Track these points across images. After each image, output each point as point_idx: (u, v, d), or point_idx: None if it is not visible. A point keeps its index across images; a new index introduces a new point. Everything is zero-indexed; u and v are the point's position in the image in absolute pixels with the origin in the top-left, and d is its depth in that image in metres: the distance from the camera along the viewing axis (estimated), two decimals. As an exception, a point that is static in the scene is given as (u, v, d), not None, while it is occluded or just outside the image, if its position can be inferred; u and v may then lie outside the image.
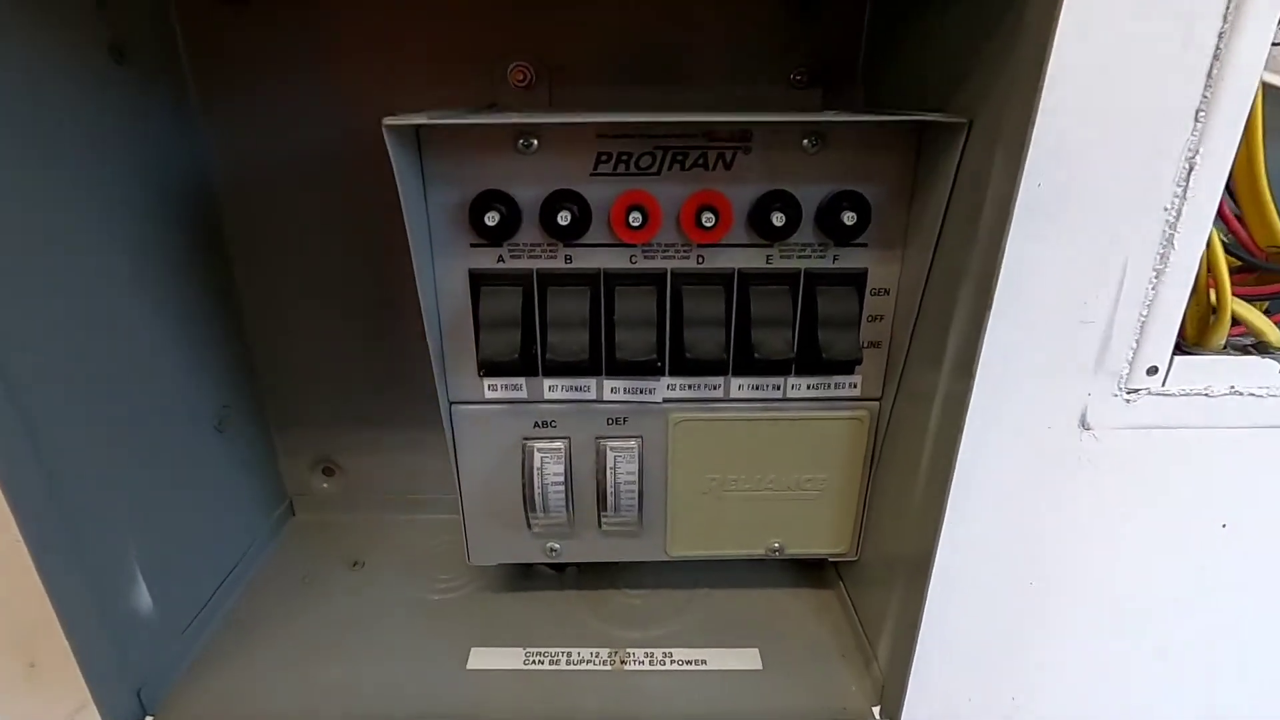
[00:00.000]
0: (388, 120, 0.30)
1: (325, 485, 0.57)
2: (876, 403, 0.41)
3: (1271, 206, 0.41)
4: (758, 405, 0.41)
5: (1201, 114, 0.34)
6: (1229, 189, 0.41)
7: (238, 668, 0.43)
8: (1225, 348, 0.44)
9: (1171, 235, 0.37)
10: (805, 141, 0.35)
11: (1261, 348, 0.44)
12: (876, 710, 0.41)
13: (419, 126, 0.33)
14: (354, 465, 0.57)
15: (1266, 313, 0.49)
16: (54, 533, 0.34)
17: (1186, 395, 0.41)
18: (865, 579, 0.46)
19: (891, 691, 0.40)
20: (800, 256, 0.37)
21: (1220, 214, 0.41)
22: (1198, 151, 0.35)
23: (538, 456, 0.41)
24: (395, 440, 0.55)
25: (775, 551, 0.45)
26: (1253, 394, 0.41)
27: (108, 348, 0.38)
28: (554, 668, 0.43)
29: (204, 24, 0.43)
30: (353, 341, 0.51)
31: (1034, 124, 0.28)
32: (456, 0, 0.43)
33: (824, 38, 0.44)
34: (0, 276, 0.31)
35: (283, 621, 0.46)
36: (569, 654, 0.44)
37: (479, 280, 0.37)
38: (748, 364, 0.38)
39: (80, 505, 0.35)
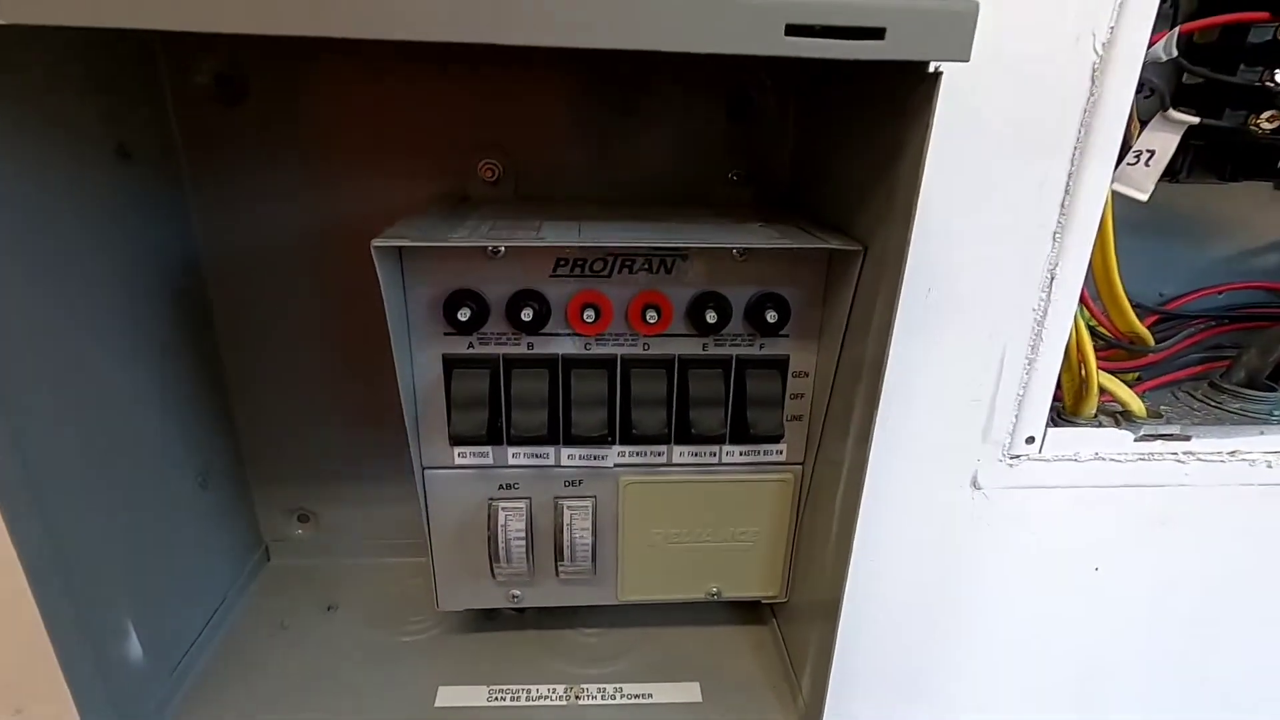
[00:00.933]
0: (375, 242, 0.35)
1: (300, 532, 0.61)
2: (800, 466, 0.47)
3: (1124, 301, 0.49)
4: (697, 469, 0.46)
5: (1058, 235, 0.42)
6: (1092, 284, 0.48)
7: (221, 710, 0.46)
8: (1098, 414, 0.52)
9: (1040, 330, 0.44)
10: (734, 252, 0.41)
11: (1126, 415, 0.52)
12: (799, 736, 0.46)
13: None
14: (327, 513, 0.60)
15: (1137, 381, 0.57)
16: (56, 586, 0.37)
17: (1059, 460, 0.48)
18: (793, 618, 0.51)
19: (812, 718, 0.46)
20: (732, 344, 0.43)
21: (1086, 303, 0.49)
22: (1056, 264, 0.42)
23: (502, 514, 0.46)
24: (366, 491, 0.59)
25: (714, 595, 0.51)
26: (1113, 459, 0.48)
27: (104, 414, 0.41)
28: (515, 704, 0.48)
29: (201, 123, 0.47)
30: (328, 404, 0.56)
31: (908, 251, 0.34)
32: (431, 103, 0.48)
33: (756, 145, 0.50)
34: (14, 349, 0.34)
35: (262, 664, 0.50)
36: (529, 690, 0.49)
37: (451, 364, 0.42)
38: (687, 435, 0.44)
39: (78, 559, 0.39)
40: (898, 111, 0.32)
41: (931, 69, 0.28)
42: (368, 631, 0.54)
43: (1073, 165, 0.40)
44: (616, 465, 0.46)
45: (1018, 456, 0.47)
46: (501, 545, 0.46)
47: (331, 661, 0.51)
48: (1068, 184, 0.40)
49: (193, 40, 0.45)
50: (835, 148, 0.43)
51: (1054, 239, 0.42)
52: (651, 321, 0.41)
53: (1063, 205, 0.41)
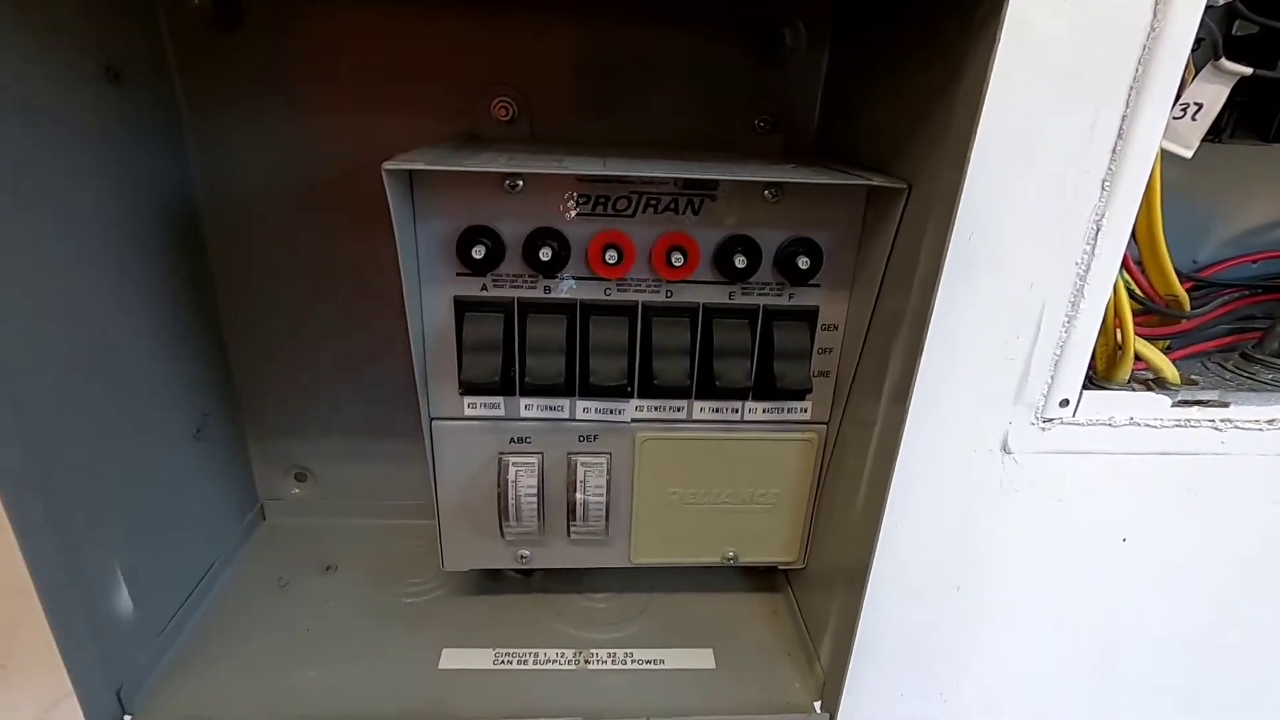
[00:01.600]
0: (387, 165, 0.33)
1: (296, 491, 0.59)
2: (824, 425, 0.45)
3: (1168, 261, 0.47)
4: (717, 426, 0.44)
5: (1107, 183, 0.40)
6: (1134, 243, 0.46)
7: (214, 669, 0.45)
8: (1130, 381, 0.50)
9: (1082, 286, 0.42)
10: (766, 193, 0.38)
11: (1160, 382, 0.50)
12: (818, 705, 0.45)
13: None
14: (325, 471, 0.58)
15: (1168, 350, 0.55)
16: (45, 537, 0.35)
17: (1093, 424, 0.46)
18: (811, 585, 0.50)
19: (831, 688, 0.44)
20: (759, 294, 0.41)
21: (1125, 265, 0.46)
22: (1104, 215, 0.40)
23: (513, 470, 0.44)
24: (366, 448, 0.57)
25: (730, 560, 0.49)
26: (1148, 424, 0.46)
27: (96, 360, 0.39)
28: (522, 667, 0.46)
29: (196, 49, 0.44)
30: (327, 355, 0.53)
31: (961, 191, 0.32)
32: (441, 35, 0.46)
33: (786, 89, 0.48)
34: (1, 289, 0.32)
35: (257, 624, 0.48)
36: (536, 654, 0.47)
37: (463, 306, 0.40)
38: (709, 389, 0.42)
39: (69, 510, 0.37)
40: (959, 30, 0.29)
41: (1002, -20, 0.26)
42: (368, 592, 0.52)
43: (1127, 108, 0.38)
44: (634, 420, 0.44)
45: (1051, 420, 0.45)
46: (511, 502, 0.44)
47: (331, 622, 0.49)
48: (1120, 128, 0.38)
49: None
50: (874, 85, 0.41)
51: (1103, 188, 0.39)
52: (677, 265, 0.39)
53: (1114, 151, 0.39)
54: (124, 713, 0.41)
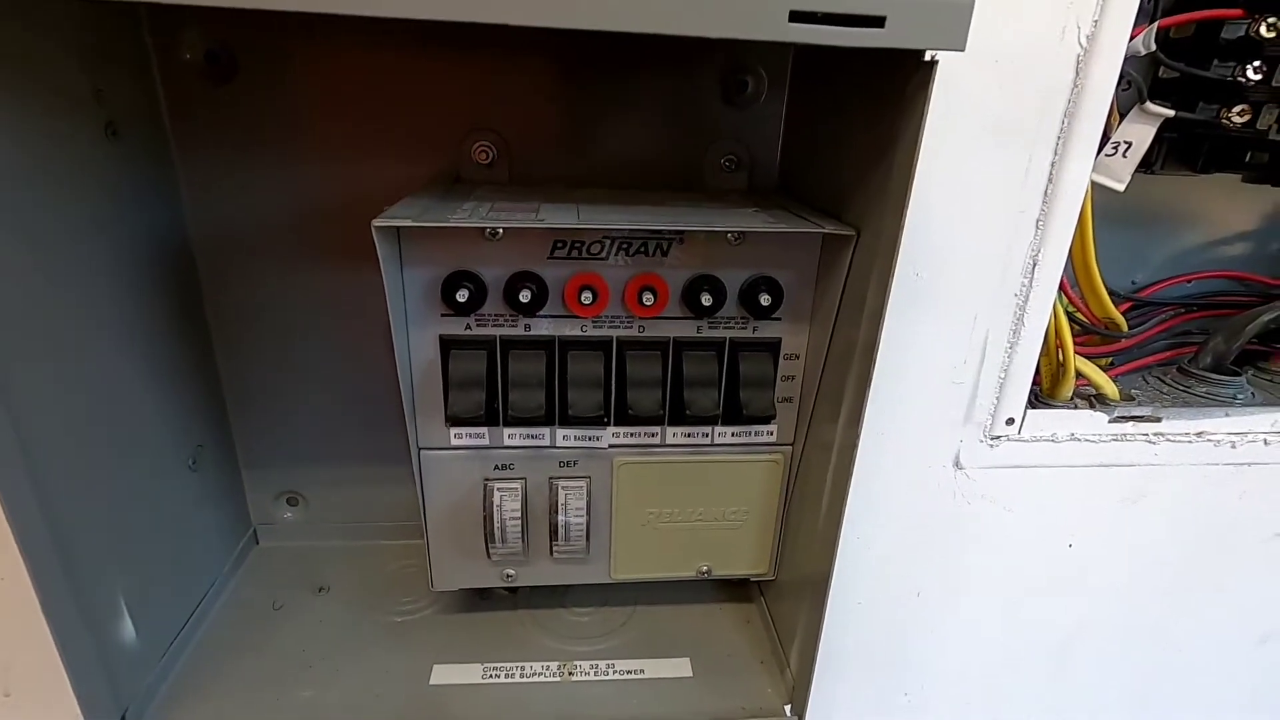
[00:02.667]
0: (376, 222, 0.35)
1: (289, 515, 0.61)
2: (790, 447, 0.48)
3: (1101, 287, 0.51)
4: (689, 450, 0.47)
5: (1041, 221, 0.43)
6: (1070, 271, 0.50)
7: (215, 691, 0.47)
8: (1074, 398, 0.54)
9: (1022, 314, 0.45)
10: (729, 236, 0.41)
11: (1100, 398, 0.54)
12: (788, 709, 0.48)
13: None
14: (316, 495, 0.60)
15: (1110, 366, 0.59)
16: (53, 569, 0.37)
17: (1037, 440, 0.50)
18: (780, 595, 0.53)
19: (799, 692, 0.47)
20: (725, 328, 0.44)
21: (1064, 290, 0.50)
22: (1039, 250, 0.44)
23: (497, 495, 0.46)
24: (356, 472, 0.59)
25: (704, 573, 0.52)
26: (1087, 439, 0.50)
27: (97, 397, 0.41)
28: (509, 680, 0.49)
29: (189, 101, 0.46)
30: (317, 384, 0.55)
31: (901, 237, 0.35)
32: (423, 83, 0.48)
33: (749, 131, 0.51)
34: (4, 329, 0.34)
35: (254, 645, 0.50)
36: (523, 668, 0.50)
37: (448, 345, 0.42)
38: (681, 417, 0.45)
39: (75, 541, 0.39)
40: (894, 99, 0.33)
41: (928, 57, 0.29)
42: (360, 612, 0.54)
43: (1056, 154, 0.41)
44: (611, 446, 0.47)
45: (998, 437, 0.49)
46: (497, 525, 0.47)
47: (325, 642, 0.51)
48: (1050, 172, 0.42)
49: (179, 15, 0.45)
50: (828, 135, 0.44)
51: (1037, 225, 0.43)
52: (648, 304, 0.42)
53: (1046, 193, 0.42)
54: (130, 736, 0.43)
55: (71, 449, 0.39)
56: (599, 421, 0.44)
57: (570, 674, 0.49)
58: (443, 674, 0.49)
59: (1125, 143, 0.49)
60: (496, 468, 0.46)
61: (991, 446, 0.49)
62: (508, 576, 0.50)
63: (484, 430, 0.45)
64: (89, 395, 0.40)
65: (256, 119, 0.47)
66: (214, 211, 0.49)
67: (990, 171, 0.41)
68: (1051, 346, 0.51)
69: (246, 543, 0.60)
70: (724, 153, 0.52)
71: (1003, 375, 0.47)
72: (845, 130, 0.41)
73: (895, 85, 0.33)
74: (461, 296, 0.40)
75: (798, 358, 0.46)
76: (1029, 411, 0.49)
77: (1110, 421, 0.50)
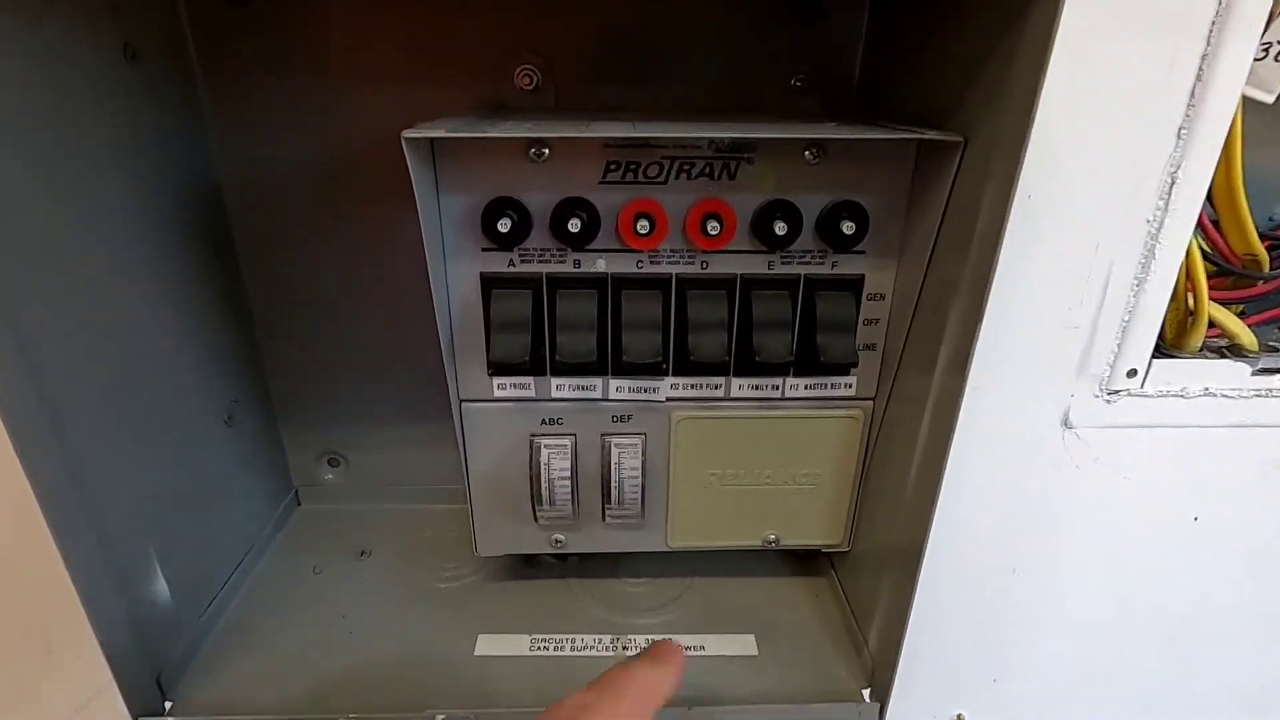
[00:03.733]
0: (406, 133, 0.31)
1: (330, 476, 0.58)
2: (870, 401, 0.43)
3: (1247, 216, 0.43)
4: (757, 404, 0.42)
5: (1184, 131, 0.36)
6: (1208, 199, 0.43)
7: (253, 655, 0.44)
8: (1202, 349, 0.46)
9: (1153, 245, 0.39)
10: (806, 154, 0.36)
11: (1235, 349, 0.46)
12: (866, 693, 0.43)
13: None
14: (359, 457, 0.58)
15: (1242, 315, 0.51)
16: (78, 524, 0.35)
17: (1164, 396, 0.43)
18: (857, 568, 0.48)
19: (881, 674, 0.42)
20: (800, 263, 0.39)
21: (1199, 223, 0.43)
22: (1179, 166, 0.37)
23: (545, 452, 0.42)
24: (399, 432, 0.56)
25: (771, 543, 0.47)
26: (1225, 395, 0.43)
27: (125, 346, 0.39)
28: (559, 654, 0.45)
29: (212, 25, 0.43)
30: (358, 336, 0.52)
31: (1028, 144, 0.30)
32: (462, 4, 0.44)
33: (823, 45, 0.45)
34: (27, 275, 0.32)
35: (294, 610, 0.48)
36: (573, 640, 0.46)
37: (490, 283, 0.38)
38: (748, 365, 0.40)
39: (102, 497, 0.36)
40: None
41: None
42: (403, 577, 0.51)
43: (1207, 45, 0.34)
44: (669, 399, 0.42)
45: (1117, 392, 0.42)
46: (544, 486, 0.43)
47: (366, 609, 0.48)
48: (1200, 69, 0.35)
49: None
50: (922, 31, 0.38)
51: (1179, 136, 0.36)
52: (713, 234, 0.36)
53: (1192, 95, 0.35)
54: (164, 699, 0.41)
55: (97, 403, 0.36)
56: (656, 370, 0.39)
57: (624, 648, 0.45)
58: (488, 644, 0.46)
59: (1279, 43, 0.41)
60: (544, 422, 0.42)
61: (1109, 402, 0.42)
62: (556, 542, 0.46)
63: (530, 380, 0.41)
64: (113, 346, 0.38)
65: (284, 45, 0.44)
66: (243, 146, 0.46)
67: (1122, 66, 0.34)
68: (1181, 288, 0.43)
69: (289, 504, 0.58)
70: (794, 72, 0.46)
71: (1126, 318, 0.40)
72: (945, 26, 0.35)
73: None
74: (504, 226, 0.36)
75: (883, 298, 0.40)
76: (1154, 362, 0.42)
77: (1254, 374, 0.43)
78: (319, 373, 0.54)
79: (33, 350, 0.32)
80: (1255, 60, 0.40)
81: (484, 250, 0.37)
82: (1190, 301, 0.45)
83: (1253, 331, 0.48)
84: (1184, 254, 0.40)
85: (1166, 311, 0.43)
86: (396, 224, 0.47)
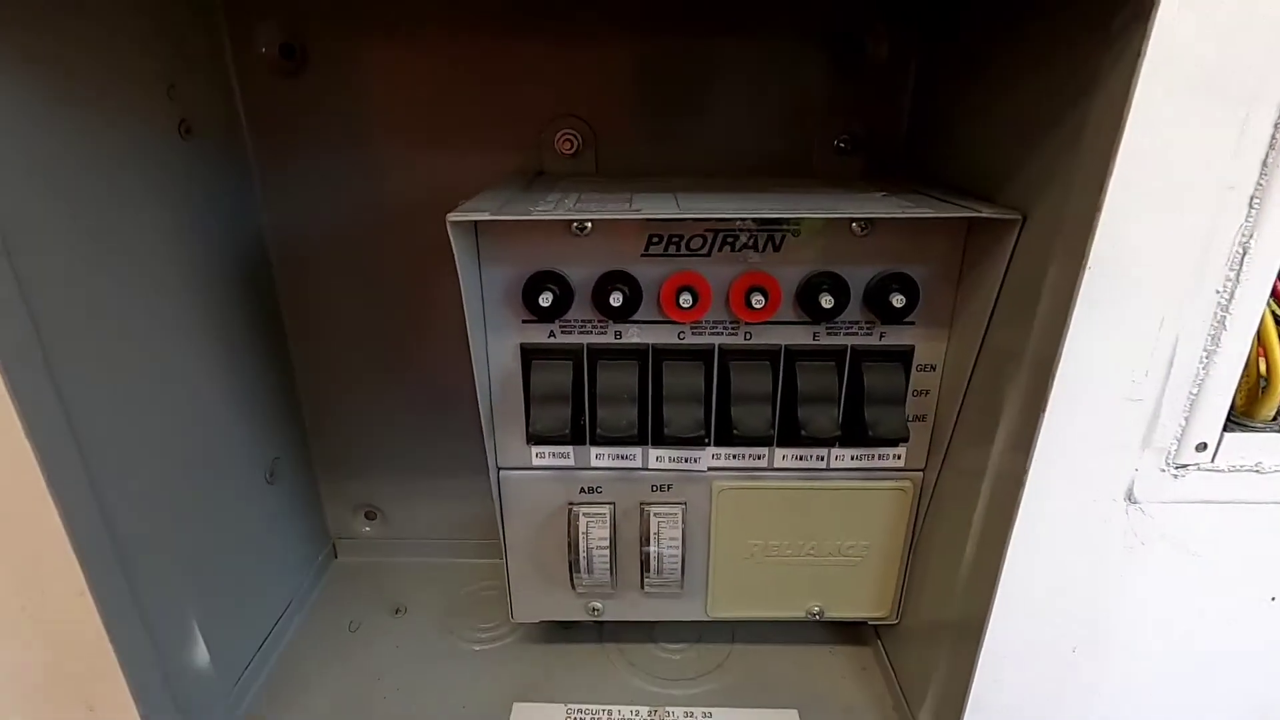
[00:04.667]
0: (451, 216, 0.31)
1: (367, 529, 0.58)
2: (920, 473, 0.41)
3: (1325, 281, 0.41)
4: (801, 474, 0.41)
5: (1256, 200, 0.34)
6: (1281, 263, 0.40)
7: (287, 718, 0.44)
8: (1276, 417, 0.44)
9: (1224, 316, 0.37)
10: (854, 225, 0.35)
11: (1312, 417, 0.44)
12: (918, 780, 0.41)
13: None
14: (394, 510, 0.58)
15: (1316, 377, 0.48)
16: (118, 590, 0.35)
17: (1237, 471, 0.40)
18: (906, 642, 0.46)
19: (934, 761, 0.40)
20: (847, 334, 0.38)
21: (1272, 289, 0.41)
22: (1251, 236, 0.35)
23: (583, 521, 0.42)
24: (434, 486, 0.56)
25: (815, 615, 0.45)
26: (1304, 470, 0.40)
27: (171, 407, 0.39)
28: (595, 726, 0.44)
29: (263, 98, 0.44)
30: (395, 393, 0.53)
31: (1100, 219, 0.28)
32: (502, 70, 0.44)
33: (868, 105, 0.44)
34: (74, 339, 0.32)
35: (329, 671, 0.48)
36: (610, 711, 0.45)
37: (530, 354, 0.38)
38: (793, 437, 0.39)
39: (143, 562, 0.36)
40: (1090, 43, 0.26)
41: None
42: (438, 638, 0.51)
43: (1281, 114, 0.33)
44: (711, 469, 0.41)
45: (1184, 466, 0.40)
46: (583, 554, 0.42)
47: (401, 672, 0.48)
48: (1273, 137, 0.33)
49: (257, 7, 0.42)
50: (974, 97, 0.37)
51: (1250, 205, 0.34)
52: (757, 306, 0.36)
53: (1264, 163, 0.33)
54: (202, 765, 0.40)
55: (142, 466, 0.37)
56: (698, 441, 0.38)
57: (662, 722, 0.44)
58: (523, 714, 0.45)
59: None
60: (583, 490, 0.42)
61: (1176, 477, 0.40)
62: (594, 610, 0.45)
63: (569, 449, 0.40)
64: (158, 404, 0.38)
65: (332, 114, 0.45)
66: (290, 212, 0.47)
67: (1191, 136, 0.33)
68: (1253, 355, 0.41)
69: (325, 557, 0.58)
70: (838, 131, 0.45)
71: (1194, 391, 0.38)
72: (1002, 93, 0.34)
73: (1092, 25, 0.25)
74: (545, 300, 0.35)
75: (934, 369, 0.38)
76: (1225, 436, 0.40)
77: (1335, 448, 0.40)
78: (358, 428, 0.54)
79: (79, 416, 0.32)
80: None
81: (524, 322, 0.37)
82: (1263, 368, 0.42)
83: (1330, 397, 0.45)
84: (1257, 324, 0.38)
85: (1239, 381, 0.40)
86: (438, 286, 0.47)
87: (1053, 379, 0.30)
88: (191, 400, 0.41)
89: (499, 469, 0.41)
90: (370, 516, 0.58)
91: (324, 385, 0.52)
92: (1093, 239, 0.27)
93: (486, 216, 0.31)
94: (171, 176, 0.39)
